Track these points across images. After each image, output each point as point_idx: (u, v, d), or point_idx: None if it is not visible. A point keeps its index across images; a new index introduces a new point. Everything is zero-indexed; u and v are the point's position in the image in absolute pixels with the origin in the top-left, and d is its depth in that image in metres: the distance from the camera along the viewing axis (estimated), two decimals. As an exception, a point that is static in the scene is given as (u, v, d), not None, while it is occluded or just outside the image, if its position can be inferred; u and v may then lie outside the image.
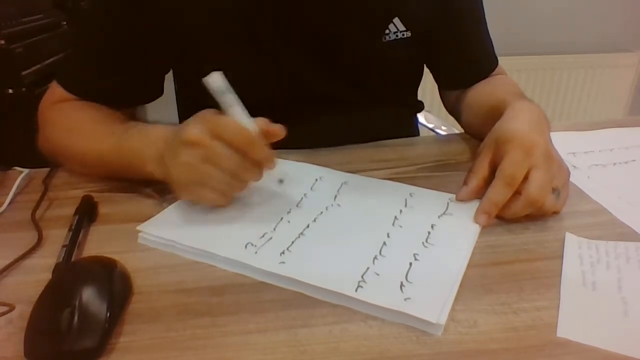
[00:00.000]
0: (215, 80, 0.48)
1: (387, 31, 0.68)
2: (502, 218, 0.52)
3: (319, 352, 0.36)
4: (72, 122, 0.64)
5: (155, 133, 0.55)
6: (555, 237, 0.50)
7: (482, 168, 0.55)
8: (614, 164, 0.66)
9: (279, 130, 0.51)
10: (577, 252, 0.47)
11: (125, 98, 0.67)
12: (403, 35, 0.69)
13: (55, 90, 0.67)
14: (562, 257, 0.46)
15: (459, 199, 0.55)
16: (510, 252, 0.47)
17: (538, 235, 0.50)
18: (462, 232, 0.49)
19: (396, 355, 0.36)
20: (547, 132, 0.55)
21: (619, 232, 0.51)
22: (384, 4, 0.67)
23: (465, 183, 0.56)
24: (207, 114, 0.49)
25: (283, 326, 0.38)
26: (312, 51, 0.68)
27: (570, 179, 0.55)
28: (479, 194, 0.54)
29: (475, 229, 0.50)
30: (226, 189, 0.50)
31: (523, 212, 0.51)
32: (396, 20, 0.68)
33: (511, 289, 0.42)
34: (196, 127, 0.48)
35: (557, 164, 0.52)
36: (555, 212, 0.53)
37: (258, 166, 0.50)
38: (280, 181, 0.55)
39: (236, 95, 0.49)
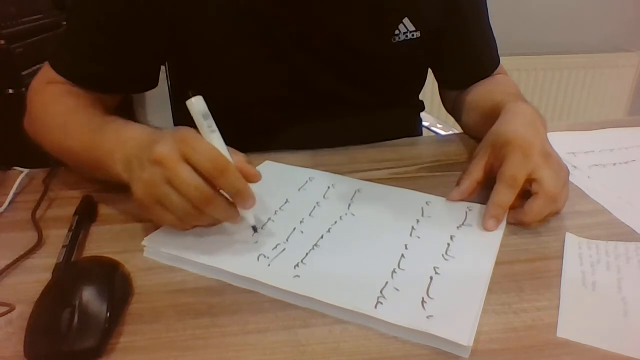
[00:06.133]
0: (200, 103, 0.44)
1: (396, 32, 0.68)
2: (520, 225, 0.51)
3: (319, 352, 0.36)
4: (50, 116, 0.61)
5: (127, 133, 0.51)
6: (555, 237, 0.50)
7: (476, 171, 0.56)
8: (614, 164, 0.66)
9: (255, 174, 0.47)
10: (577, 252, 0.47)
11: (117, 85, 0.65)
12: (413, 35, 0.69)
13: (48, 71, 0.64)
14: (562, 257, 0.46)
15: (450, 199, 0.55)
16: (510, 252, 0.47)
17: (538, 235, 0.50)
18: (482, 245, 0.48)
19: (396, 356, 0.36)
20: (543, 132, 0.55)
21: (619, 232, 0.51)
22: (394, 4, 0.67)
23: (457, 184, 0.56)
24: (183, 132, 0.45)
25: (283, 326, 0.38)
26: (321, 52, 0.67)
27: (571, 179, 0.55)
28: (471, 196, 0.55)
29: (496, 241, 0.48)
30: (185, 217, 0.45)
31: (545, 210, 0.51)
32: (406, 20, 0.68)
33: (511, 289, 0.42)
34: (167, 145, 0.44)
35: (556, 162, 0.53)
36: (556, 212, 0.53)
37: (229, 202, 0.45)
38: (254, 229, 0.47)
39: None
